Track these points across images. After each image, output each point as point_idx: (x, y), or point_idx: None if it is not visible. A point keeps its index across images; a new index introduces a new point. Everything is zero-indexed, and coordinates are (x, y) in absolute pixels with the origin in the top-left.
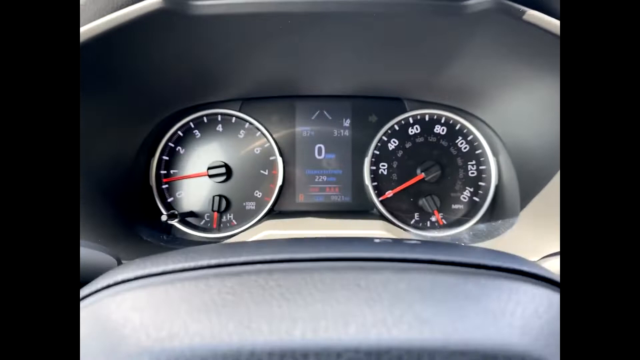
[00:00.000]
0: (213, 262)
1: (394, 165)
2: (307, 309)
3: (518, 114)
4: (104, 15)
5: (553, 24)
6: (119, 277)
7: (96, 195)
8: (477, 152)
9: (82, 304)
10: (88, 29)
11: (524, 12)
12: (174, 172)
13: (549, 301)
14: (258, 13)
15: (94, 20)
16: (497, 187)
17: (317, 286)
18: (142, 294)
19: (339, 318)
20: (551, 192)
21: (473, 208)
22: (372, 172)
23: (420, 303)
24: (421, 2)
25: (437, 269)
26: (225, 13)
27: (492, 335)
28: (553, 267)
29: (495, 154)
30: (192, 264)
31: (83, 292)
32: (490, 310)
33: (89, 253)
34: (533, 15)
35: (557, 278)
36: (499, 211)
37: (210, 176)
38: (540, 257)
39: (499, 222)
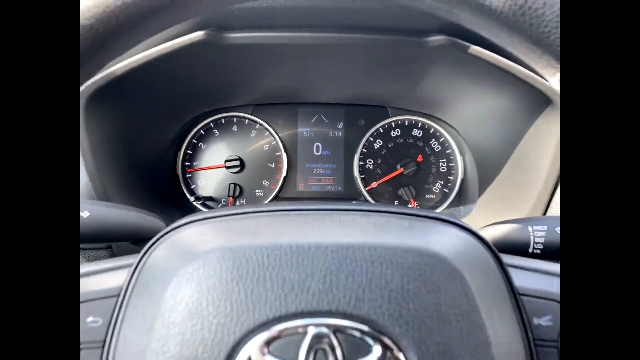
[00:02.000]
0: (253, 209)
1: (379, 161)
2: (310, 230)
3: (477, 120)
4: (157, 45)
5: (490, 55)
6: (196, 217)
7: (137, 182)
8: (447, 151)
9: (165, 237)
10: (142, 56)
11: (468, 47)
12: (196, 164)
13: (465, 239)
14: (273, 44)
15: (147, 49)
16: (462, 181)
17: (315, 221)
18: (214, 223)
19: (324, 231)
20: (499, 182)
21: (443, 197)
22: (360, 166)
23: (371, 226)
24: (393, 38)
25: (388, 213)
26: (249, 43)
27: (415, 242)
28: (484, 231)
29: (462, 153)
30: (249, 209)
31: (168, 228)
32: (417, 230)
33: (141, 216)
34: (475, 49)
35: (473, 228)
36: (463, 200)
37: (227, 167)
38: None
39: (462, 207)
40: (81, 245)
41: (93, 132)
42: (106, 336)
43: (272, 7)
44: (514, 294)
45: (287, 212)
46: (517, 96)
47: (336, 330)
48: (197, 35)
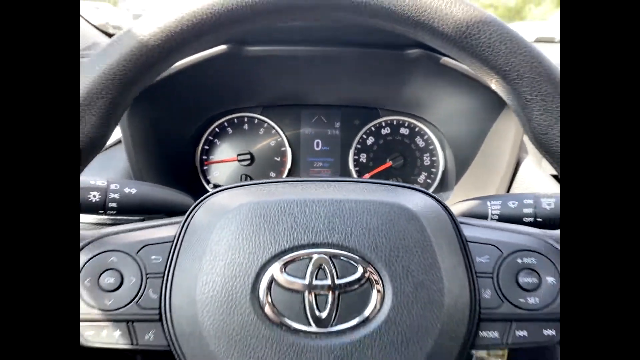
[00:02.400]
0: (270, 180)
1: (371, 156)
2: (314, 191)
3: (453, 119)
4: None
5: (457, 65)
6: (226, 187)
7: (165, 170)
8: (430, 147)
9: (205, 200)
10: (173, 67)
11: (440, 58)
12: (211, 158)
13: (424, 198)
14: (282, 56)
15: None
16: (443, 172)
17: (318, 186)
18: (242, 188)
19: (324, 191)
20: (472, 171)
21: (427, 186)
22: (354, 160)
23: (358, 189)
24: (378, 51)
25: (371, 183)
26: (263, 55)
27: (388, 199)
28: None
29: (442, 148)
30: (267, 180)
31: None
32: (390, 192)
33: (175, 194)
34: (445, 60)
35: (432, 193)
36: (444, 187)
37: (239, 161)
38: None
39: (442, 194)
40: (127, 217)
41: (132, 127)
42: (165, 268)
43: (282, 26)
44: (461, 237)
45: (297, 182)
46: (480, 98)
47: (332, 256)
48: (221, 49)
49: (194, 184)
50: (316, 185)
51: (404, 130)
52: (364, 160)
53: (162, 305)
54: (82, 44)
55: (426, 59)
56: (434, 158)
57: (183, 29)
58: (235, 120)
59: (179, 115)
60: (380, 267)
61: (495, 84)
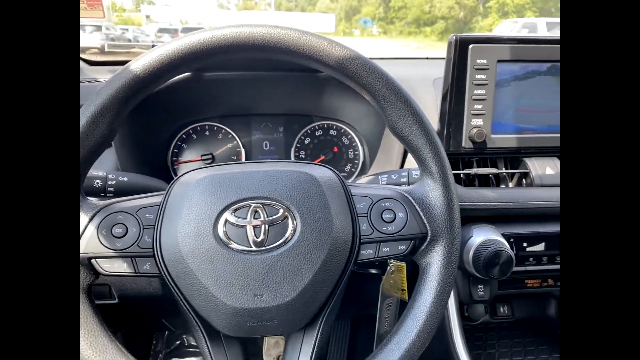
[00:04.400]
0: (223, 164)
1: (308, 152)
2: (253, 165)
3: (364, 120)
4: None
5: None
6: (191, 169)
7: (144, 169)
8: (353, 144)
9: (179, 178)
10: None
11: None
12: (180, 158)
13: (324, 170)
14: (233, 79)
15: None
16: (362, 162)
17: (253, 164)
18: (202, 169)
19: (258, 165)
20: (378, 159)
21: (350, 175)
22: (295, 156)
23: (279, 165)
24: (300, 74)
25: (288, 162)
26: (219, 78)
27: (300, 169)
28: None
29: (362, 144)
30: (220, 164)
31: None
32: (302, 166)
33: (157, 181)
34: None
35: (331, 167)
36: (363, 173)
37: (203, 160)
38: None
39: (361, 176)
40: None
41: (120, 135)
42: (155, 221)
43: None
44: (347, 193)
45: (239, 164)
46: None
47: (264, 204)
48: (186, 75)
49: (168, 180)
50: (254, 164)
51: (332, 132)
52: (303, 156)
53: (155, 245)
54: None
55: (332, 78)
56: (356, 152)
57: (164, 64)
58: (199, 128)
59: (154, 125)
60: (293, 210)
61: (365, 96)
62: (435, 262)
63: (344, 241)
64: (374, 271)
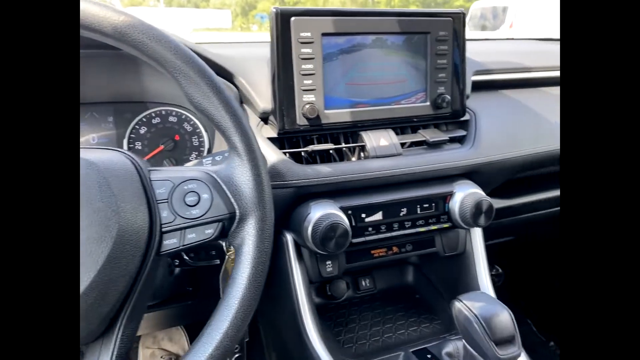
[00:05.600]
0: None
1: (145, 143)
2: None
3: None
4: None
5: None
6: None
7: None
8: (197, 130)
9: None
10: None
11: None
12: None
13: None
14: None
15: None
16: (209, 149)
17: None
18: None
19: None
20: (225, 144)
21: (198, 164)
22: (130, 148)
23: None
24: (112, 52)
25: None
26: None
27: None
28: None
29: (206, 131)
30: None
31: None
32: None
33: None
34: None
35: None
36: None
37: None
38: None
39: None
40: None
41: None
42: None
43: None
44: (143, 177)
45: None
46: None
47: None
48: None
49: None
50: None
51: (172, 119)
52: (140, 147)
53: None
54: None
55: None
56: (200, 139)
57: None
58: None
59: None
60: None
61: (158, 68)
62: (247, 242)
63: (136, 232)
64: (217, 262)
